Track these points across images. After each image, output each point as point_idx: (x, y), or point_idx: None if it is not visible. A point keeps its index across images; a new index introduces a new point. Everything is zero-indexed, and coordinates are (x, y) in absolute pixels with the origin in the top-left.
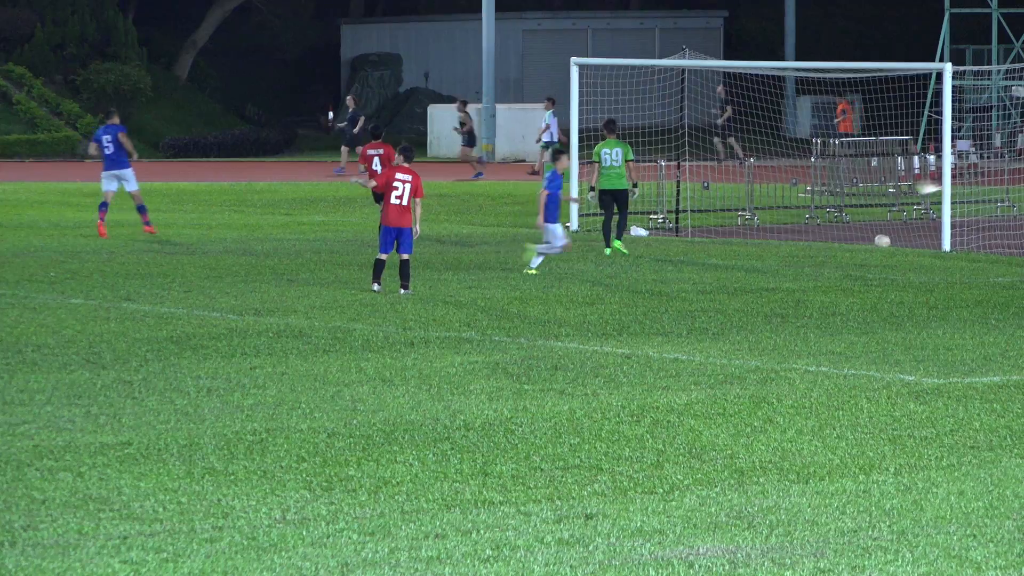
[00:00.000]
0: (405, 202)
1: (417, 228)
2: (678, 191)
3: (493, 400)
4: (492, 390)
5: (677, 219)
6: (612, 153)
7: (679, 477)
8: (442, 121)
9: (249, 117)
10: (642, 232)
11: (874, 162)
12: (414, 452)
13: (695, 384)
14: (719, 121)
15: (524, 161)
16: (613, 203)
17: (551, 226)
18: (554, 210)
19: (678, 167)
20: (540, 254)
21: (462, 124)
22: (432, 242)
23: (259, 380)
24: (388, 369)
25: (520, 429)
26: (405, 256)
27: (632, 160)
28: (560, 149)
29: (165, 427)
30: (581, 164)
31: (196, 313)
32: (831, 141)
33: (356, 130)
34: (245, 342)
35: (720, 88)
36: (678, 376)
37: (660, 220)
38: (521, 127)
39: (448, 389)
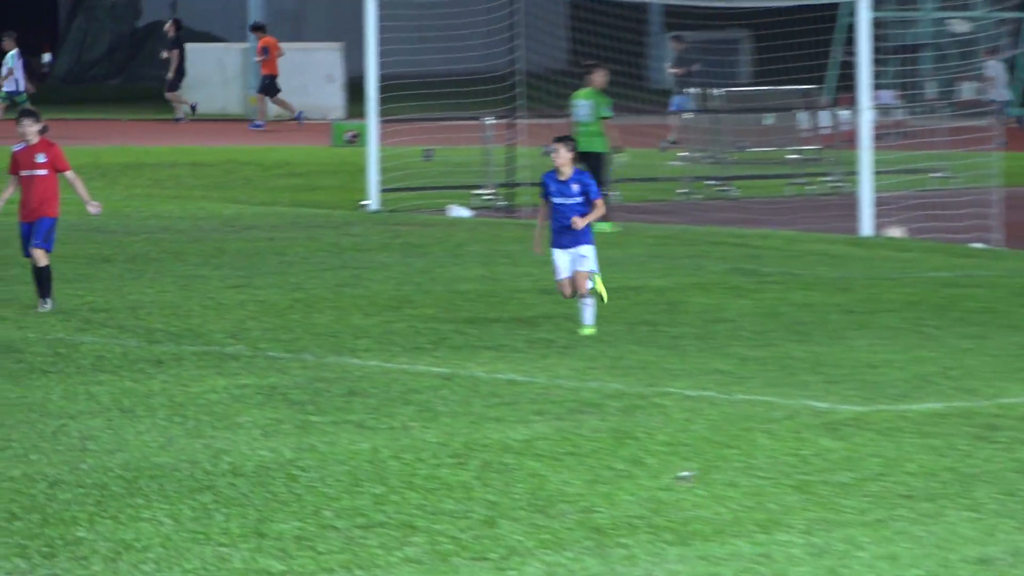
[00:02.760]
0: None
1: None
2: (512, 158)
3: (270, 436)
4: (268, 423)
5: (511, 195)
6: (586, 106)
7: (518, 538)
8: (196, 64)
9: None
10: (464, 212)
11: (768, 119)
12: (165, 506)
13: (538, 415)
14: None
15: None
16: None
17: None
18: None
19: (510, 126)
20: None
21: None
22: (187, 225)
23: None
24: (128, 395)
25: (306, 475)
26: (39, 255)
27: (607, 117)
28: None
29: None
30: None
31: None
32: (712, 92)
33: None
34: None
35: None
36: (515, 404)
37: (488, 196)
38: (300, 73)
39: (209, 422)
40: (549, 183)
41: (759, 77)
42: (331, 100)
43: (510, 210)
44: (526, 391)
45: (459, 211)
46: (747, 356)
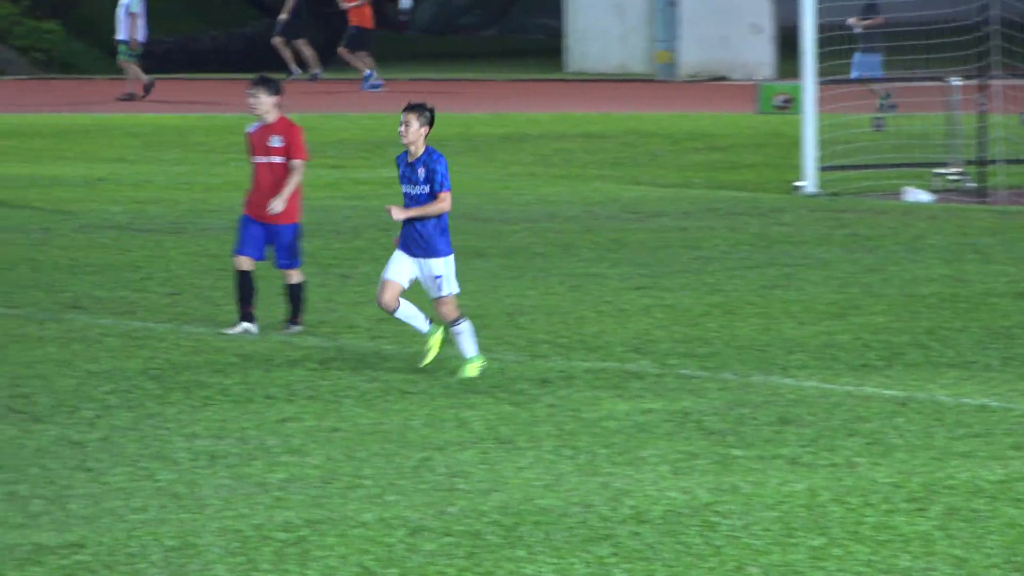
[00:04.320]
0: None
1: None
2: (984, 128)
3: (681, 474)
4: (679, 458)
5: (983, 174)
6: None
7: None
8: (589, 14)
9: (269, 7)
10: (923, 196)
11: None
12: (552, 560)
13: (1016, 449)
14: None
15: (725, 79)
16: None
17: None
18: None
19: (983, 88)
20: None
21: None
22: (578, 211)
23: (294, 441)
24: (507, 423)
25: (727, 523)
26: (291, 273)
27: None
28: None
29: (139, 519)
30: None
31: (187, 330)
32: None
33: None
34: (270, 377)
35: None
36: (988, 436)
37: (954, 177)
38: (719, 23)
39: (606, 456)
40: (399, 165)
41: None
42: (757, 56)
43: (981, 193)
44: (1002, 420)
45: (917, 194)
46: None
